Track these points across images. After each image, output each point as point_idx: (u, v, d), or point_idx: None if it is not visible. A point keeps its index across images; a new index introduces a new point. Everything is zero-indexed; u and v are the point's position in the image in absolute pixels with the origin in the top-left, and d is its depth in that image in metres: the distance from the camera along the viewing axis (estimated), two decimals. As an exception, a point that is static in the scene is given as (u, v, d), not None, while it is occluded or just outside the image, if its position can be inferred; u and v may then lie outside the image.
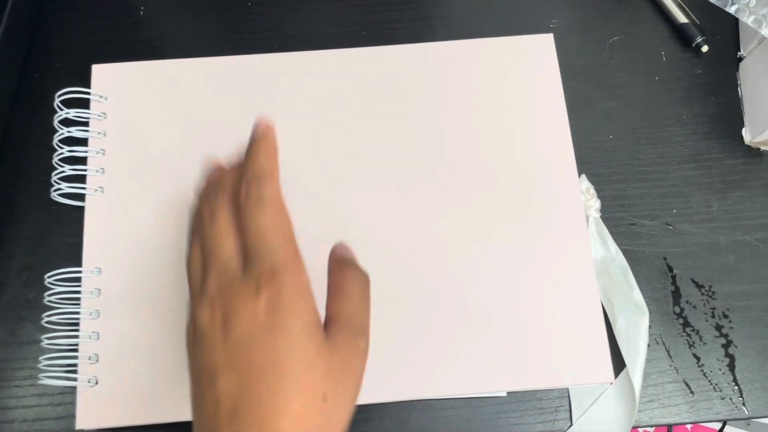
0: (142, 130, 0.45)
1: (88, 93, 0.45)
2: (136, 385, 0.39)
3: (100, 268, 0.41)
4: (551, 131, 0.45)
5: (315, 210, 0.43)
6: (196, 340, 0.28)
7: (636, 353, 0.41)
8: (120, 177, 0.44)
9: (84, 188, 0.43)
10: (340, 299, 0.30)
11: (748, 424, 0.90)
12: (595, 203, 0.45)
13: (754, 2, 0.45)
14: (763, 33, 0.44)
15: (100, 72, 0.46)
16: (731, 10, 0.46)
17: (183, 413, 0.38)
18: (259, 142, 0.30)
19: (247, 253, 0.28)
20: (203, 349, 0.27)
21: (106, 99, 0.45)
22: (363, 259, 0.41)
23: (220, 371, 0.26)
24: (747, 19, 0.45)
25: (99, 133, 0.44)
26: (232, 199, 0.30)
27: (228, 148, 0.43)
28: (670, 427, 0.98)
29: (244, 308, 0.27)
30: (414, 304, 0.41)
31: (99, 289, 0.41)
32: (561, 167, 0.45)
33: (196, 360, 0.28)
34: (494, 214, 0.43)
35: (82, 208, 0.43)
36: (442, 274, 0.42)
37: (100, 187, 0.43)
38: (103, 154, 0.44)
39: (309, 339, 0.27)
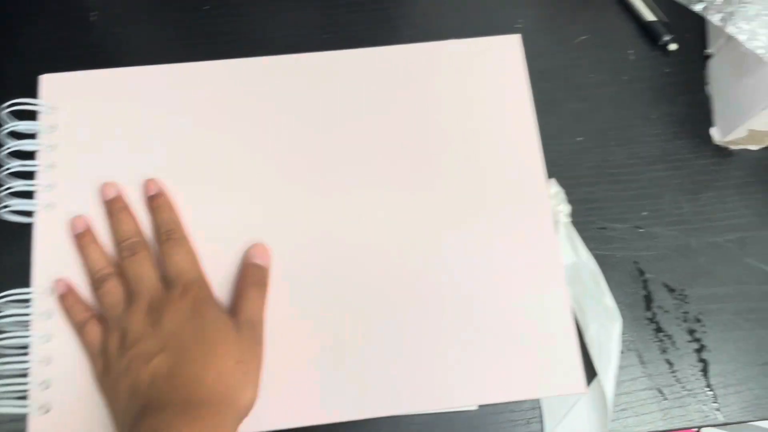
0: (95, 143, 0.43)
1: (36, 104, 0.43)
2: (90, 412, 0.37)
3: (51, 289, 0.39)
4: (519, 134, 0.44)
5: (272, 214, 0.41)
6: (126, 344, 0.36)
7: (608, 361, 0.40)
8: (71, 192, 0.42)
9: (34, 204, 0.41)
10: (241, 301, 0.39)
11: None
12: (565, 208, 0.44)
13: (720, 0, 0.44)
14: (728, 31, 0.43)
15: (49, 81, 0.44)
16: (697, 8, 0.45)
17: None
18: (159, 199, 0.41)
19: (169, 277, 0.38)
20: (137, 347, 0.35)
21: (56, 110, 0.43)
22: (327, 271, 0.41)
23: (155, 353, 0.35)
24: (713, 18, 0.44)
25: (49, 146, 0.42)
26: (141, 245, 0.40)
27: (186, 159, 0.42)
28: None
29: (173, 307, 0.37)
30: (380, 319, 0.40)
31: (50, 311, 0.39)
32: (529, 171, 0.44)
33: (125, 359, 0.35)
34: (460, 222, 0.42)
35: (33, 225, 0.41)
36: (407, 288, 0.41)
37: (50, 204, 0.41)
38: (54, 168, 0.42)
39: (222, 322, 0.37)
